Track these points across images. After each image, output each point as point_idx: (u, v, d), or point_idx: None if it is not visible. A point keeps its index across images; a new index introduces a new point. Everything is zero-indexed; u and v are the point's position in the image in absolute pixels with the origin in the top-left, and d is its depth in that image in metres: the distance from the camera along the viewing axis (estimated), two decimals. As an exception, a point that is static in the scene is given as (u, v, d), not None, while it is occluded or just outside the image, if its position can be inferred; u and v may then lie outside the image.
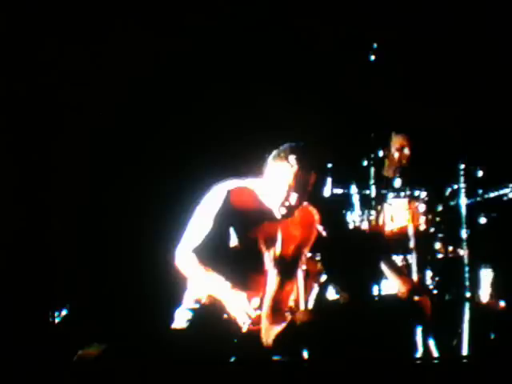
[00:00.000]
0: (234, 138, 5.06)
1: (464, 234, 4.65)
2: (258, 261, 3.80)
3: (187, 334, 3.79)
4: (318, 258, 3.99)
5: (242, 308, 3.70)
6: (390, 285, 4.13)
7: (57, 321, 4.60)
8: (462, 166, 4.70)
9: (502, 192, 4.88)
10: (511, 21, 4.89)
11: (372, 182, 4.35)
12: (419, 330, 4.46)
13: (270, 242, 3.81)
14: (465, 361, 4.11)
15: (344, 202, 4.96)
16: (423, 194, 4.92)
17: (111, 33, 4.87)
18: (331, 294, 4.17)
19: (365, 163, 4.45)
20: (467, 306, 4.57)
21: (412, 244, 4.81)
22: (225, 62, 5.09)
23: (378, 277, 4.06)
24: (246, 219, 3.80)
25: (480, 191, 4.87)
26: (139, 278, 5.02)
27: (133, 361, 3.38)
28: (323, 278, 4.02)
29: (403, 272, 4.41)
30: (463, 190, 4.70)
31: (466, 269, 4.62)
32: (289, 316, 3.82)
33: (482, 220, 4.92)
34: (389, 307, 4.10)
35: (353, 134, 4.97)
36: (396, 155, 5.09)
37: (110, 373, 3.26)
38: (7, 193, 4.62)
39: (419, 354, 4.45)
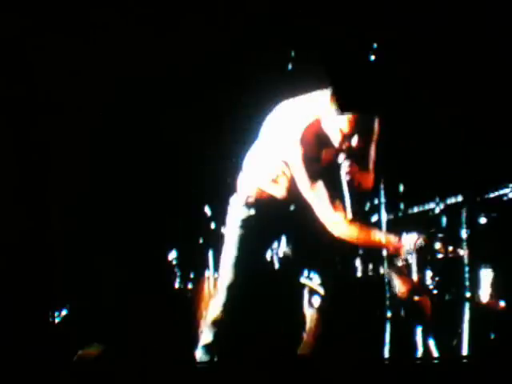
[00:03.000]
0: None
1: (464, 234, 4.65)
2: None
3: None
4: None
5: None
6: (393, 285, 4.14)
7: (57, 321, 4.60)
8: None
9: (501, 192, 4.88)
10: (510, 21, 4.88)
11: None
12: (419, 330, 4.46)
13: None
14: (465, 361, 4.11)
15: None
16: None
17: (111, 31, 4.87)
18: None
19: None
20: (467, 305, 4.57)
21: None
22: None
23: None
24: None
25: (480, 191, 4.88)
26: (139, 278, 5.02)
27: (133, 361, 3.38)
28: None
29: (403, 272, 4.41)
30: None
31: (466, 269, 4.62)
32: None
33: (482, 220, 4.92)
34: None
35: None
36: None
37: (109, 373, 3.26)
38: (7, 193, 4.62)
39: (419, 354, 4.45)
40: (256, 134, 3.85)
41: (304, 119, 3.67)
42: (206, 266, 5.22)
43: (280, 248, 4.29)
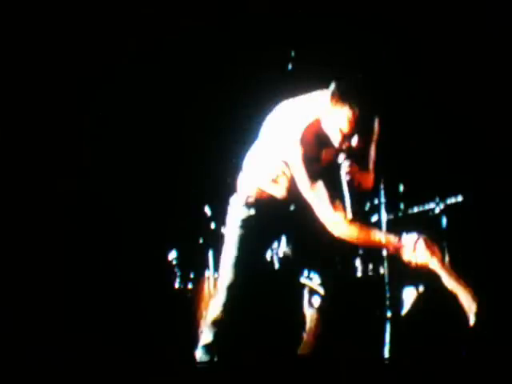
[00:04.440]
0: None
1: (385, 252, 4.61)
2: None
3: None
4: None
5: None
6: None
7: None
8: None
9: (426, 208, 4.87)
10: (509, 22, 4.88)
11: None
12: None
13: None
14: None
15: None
16: None
17: (110, 29, 4.87)
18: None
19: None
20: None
21: None
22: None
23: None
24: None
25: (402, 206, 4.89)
26: (139, 278, 5.02)
27: (133, 361, 3.38)
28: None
29: None
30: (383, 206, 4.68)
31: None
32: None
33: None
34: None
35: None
36: None
37: (110, 372, 3.26)
38: (7, 192, 4.62)
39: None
40: (256, 134, 3.85)
41: (304, 119, 3.67)
42: (206, 266, 5.22)
43: (280, 248, 4.28)
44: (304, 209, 3.68)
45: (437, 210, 4.84)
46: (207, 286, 5.11)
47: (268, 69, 5.03)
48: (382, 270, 4.70)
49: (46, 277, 4.65)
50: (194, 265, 5.31)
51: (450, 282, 3.53)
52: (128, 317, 4.83)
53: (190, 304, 5.10)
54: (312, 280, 4.08)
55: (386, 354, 4.35)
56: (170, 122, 5.23)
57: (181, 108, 5.23)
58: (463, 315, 3.46)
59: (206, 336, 3.77)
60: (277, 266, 4.40)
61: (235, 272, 3.75)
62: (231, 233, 3.82)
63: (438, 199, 4.85)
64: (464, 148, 4.98)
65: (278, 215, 3.81)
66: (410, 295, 4.74)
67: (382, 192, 4.70)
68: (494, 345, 3.24)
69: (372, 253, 4.78)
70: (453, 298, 3.50)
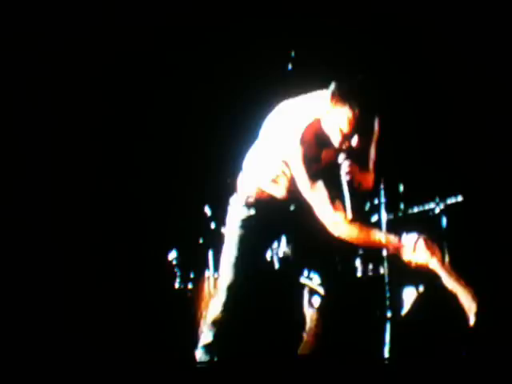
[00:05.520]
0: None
1: (385, 252, 4.61)
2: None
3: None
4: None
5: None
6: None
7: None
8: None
9: (426, 207, 4.87)
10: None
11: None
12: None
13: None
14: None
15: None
16: None
17: (109, 28, 4.87)
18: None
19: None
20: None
21: None
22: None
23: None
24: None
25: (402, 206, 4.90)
26: (139, 278, 5.02)
27: (133, 361, 3.38)
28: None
29: None
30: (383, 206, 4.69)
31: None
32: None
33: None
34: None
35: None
36: None
37: (110, 373, 3.26)
38: (8, 191, 4.62)
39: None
40: (256, 134, 3.85)
41: (304, 119, 3.67)
42: (206, 266, 5.22)
43: (280, 248, 4.29)
44: (304, 209, 3.68)
45: (437, 210, 4.84)
46: (207, 285, 5.11)
47: (268, 69, 5.03)
48: (382, 270, 4.70)
49: (45, 276, 4.65)
50: (194, 265, 5.31)
51: (449, 282, 3.53)
52: (128, 317, 4.83)
53: (190, 304, 5.10)
54: (312, 280, 4.08)
55: (386, 354, 4.36)
56: (170, 122, 5.23)
57: (181, 108, 5.23)
58: (463, 315, 3.46)
59: (205, 336, 3.77)
60: (277, 266, 4.40)
61: (235, 272, 3.75)
62: (231, 233, 3.82)
63: (437, 199, 4.85)
64: (464, 148, 4.99)
65: (278, 215, 3.81)
66: (410, 295, 4.74)
67: (382, 192, 4.70)
68: (494, 345, 3.24)
69: (372, 253, 4.78)
70: (453, 297, 3.50)
